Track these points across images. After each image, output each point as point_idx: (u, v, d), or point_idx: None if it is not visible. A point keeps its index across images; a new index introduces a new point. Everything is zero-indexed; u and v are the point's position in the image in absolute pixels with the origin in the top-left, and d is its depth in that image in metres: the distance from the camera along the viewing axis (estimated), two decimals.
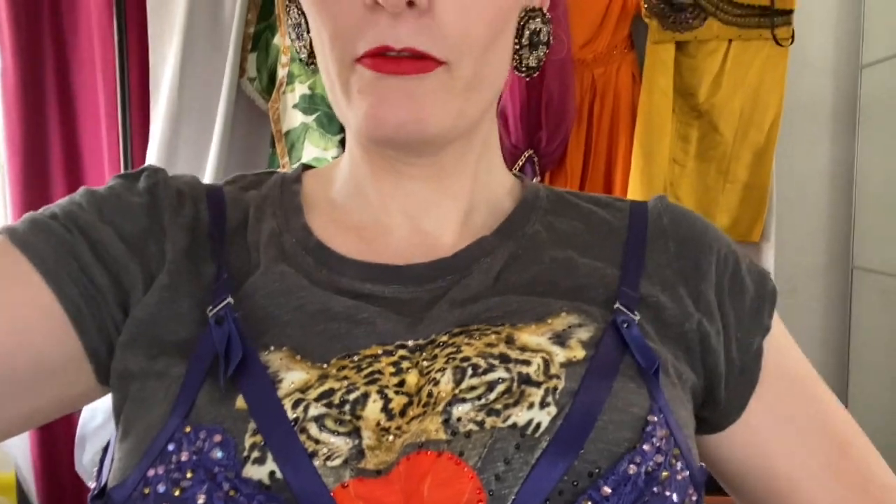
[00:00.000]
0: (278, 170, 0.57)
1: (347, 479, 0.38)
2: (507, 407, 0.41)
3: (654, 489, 0.40)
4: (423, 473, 0.39)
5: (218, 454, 0.38)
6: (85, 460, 1.69)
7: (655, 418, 0.42)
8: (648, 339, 0.46)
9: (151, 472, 0.38)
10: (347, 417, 0.40)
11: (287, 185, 0.53)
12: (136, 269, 0.46)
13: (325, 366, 0.42)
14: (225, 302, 0.44)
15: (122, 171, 1.71)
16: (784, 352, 0.53)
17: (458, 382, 0.42)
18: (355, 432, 0.40)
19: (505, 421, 0.40)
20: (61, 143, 1.89)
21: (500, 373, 0.42)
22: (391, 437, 0.40)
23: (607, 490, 0.39)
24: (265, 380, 0.41)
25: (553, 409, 0.41)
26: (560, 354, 0.44)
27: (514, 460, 0.39)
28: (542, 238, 0.51)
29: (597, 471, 0.40)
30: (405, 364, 0.43)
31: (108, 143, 1.85)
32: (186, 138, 1.73)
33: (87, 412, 1.68)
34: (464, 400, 0.41)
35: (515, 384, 0.42)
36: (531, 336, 0.44)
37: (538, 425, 0.40)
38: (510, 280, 0.48)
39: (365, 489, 0.38)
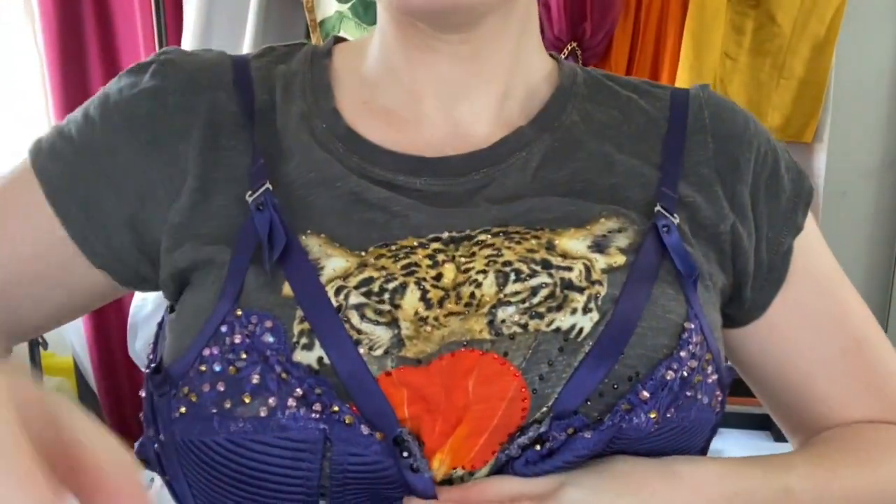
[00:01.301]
0: (309, 42, 0.54)
1: (390, 367, 0.39)
2: (550, 311, 0.42)
3: (688, 393, 0.42)
4: (467, 369, 0.40)
5: (269, 339, 0.40)
6: (137, 347, 1.78)
7: (692, 325, 0.43)
8: (686, 241, 0.46)
9: (207, 352, 0.40)
10: (386, 308, 0.41)
11: (317, 60, 0.51)
12: (156, 175, 0.46)
13: (363, 254, 0.43)
14: (263, 188, 0.44)
15: None
16: (813, 251, 0.53)
17: (501, 286, 0.42)
18: (394, 322, 0.41)
19: (549, 325, 0.41)
20: (96, 30, 1.87)
21: (543, 278, 0.42)
22: (429, 328, 0.41)
23: (646, 394, 0.40)
24: (308, 266, 0.42)
25: (595, 315, 0.42)
26: (601, 261, 0.44)
27: (558, 362, 0.40)
28: (579, 129, 0.49)
29: (636, 375, 0.41)
30: (440, 257, 0.43)
31: (143, 33, 1.82)
32: (220, 27, 1.70)
33: (137, 301, 1.75)
34: (508, 303, 0.42)
35: (558, 289, 0.42)
36: (571, 241, 0.44)
37: (581, 330, 0.41)
38: (548, 178, 0.47)
39: (408, 377, 0.39)
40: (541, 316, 0.41)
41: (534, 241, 0.44)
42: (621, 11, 1.67)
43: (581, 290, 0.42)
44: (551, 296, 0.42)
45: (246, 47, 1.69)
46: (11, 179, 0.48)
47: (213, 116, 0.47)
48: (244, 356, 0.39)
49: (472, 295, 0.42)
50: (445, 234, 0.44)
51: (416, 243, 0.43)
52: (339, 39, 0.54)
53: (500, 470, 0.40)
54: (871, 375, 0.52)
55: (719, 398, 0.45)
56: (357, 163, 0.46)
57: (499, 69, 0.48)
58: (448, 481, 0.40)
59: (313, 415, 0.38)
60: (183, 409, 0.40)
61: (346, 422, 0.38)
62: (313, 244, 0.43)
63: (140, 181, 0.46)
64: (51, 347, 1.93)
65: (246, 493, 0.39)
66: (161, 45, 1.68)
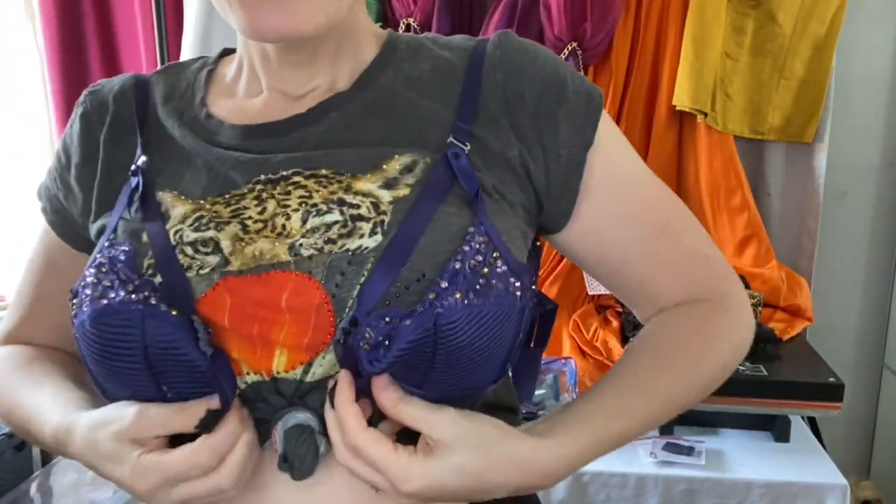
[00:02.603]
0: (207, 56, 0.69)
1: (217, 279, 0.52)
2: (341, 237, 0.52)
3: (481, 280, 0.50)
4: (280, 286, 0.52)
5: (122, 257, 0.54)
6: None
7: (473, 228, 0.52)
8: (476, 167, 0.55)
9: (87, 272, 0.54)
10: (210, 235, 0.54)
11: (205, 68, 0.65)
12: (92, 173, 0.62)
13: (202, 202, 0.56)
14: (140, 160, 0.59)
15: (158, 59, 1.69)
16: (609, 158, 0.60)
17: (304, 222, 0.53)
18: (217, 248, 0.53)
19: (341, 248, 0.52)
20: (96, 30, 1.87)
21: (336, 215, 0.53)
22: (244, 244, 0.53)
23: (444, 283, 0.49)
24: (159, 215, 0.56)
25: (379, 237, 0.52)
26: (387, 195, 0.54)
27: (348, 272, 0.51)
28: (393, 86, 0.59)
29: (422, 276, 0.50)
30: (264, 195, 0.55)
31: (143, 34, 1.82)
32: (220, 27, 1.70)
33: None
34: (306, 235, 0.53)
35: (349, 221, 0.53)
36: (366, 184, 0.54)
37: (366, 248, 0.52)
38: (361, 129, 0.57)
39: (231, 286, 0.52)
40: (333, 241, 0.52)
41: (336, 185, 0.54)
42: (622, 11, 1.66)
43: (368, 220, 0.53)
44: (343, 226, 0.53)
45: None
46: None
47: (116, 122, 0.63)
48: (104, 270, 0.53)
49: (284, 226, 0.54)
50: (262, 177, 0.55)
51: (245, 190, 0.55)
52: (228, 52, 0.68)
53: (342, 361, 0.50)
54: (675, 256, 0.62)
55: (517, 285, 0.51)
56: (210, 136, 0.59)
57: (329, 63, 0.59)
58: (299, 382, 0.51)
59: (134, 300, 0.50)
60: (74, 313, 0.53)
61: (153, 302, 0.50)
62: (167, 198, 0.57)
63: (89, 181, 0.63)
64: None
65: (104, 362, 0.51)
66: (161, 46, 1.68)
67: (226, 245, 0.53)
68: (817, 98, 1.69)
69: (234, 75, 0.63)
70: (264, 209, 0.54)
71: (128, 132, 0.62)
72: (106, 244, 0.56)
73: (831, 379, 1.37)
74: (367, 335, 0.48)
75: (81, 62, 1.89)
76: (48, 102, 1.91)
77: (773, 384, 1.36)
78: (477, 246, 0.51)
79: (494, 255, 0.51)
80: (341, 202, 0.53)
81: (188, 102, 0.63)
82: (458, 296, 0.48)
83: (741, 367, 1.38)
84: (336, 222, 0.53)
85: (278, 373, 0.51)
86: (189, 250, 0.54)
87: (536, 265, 0.61)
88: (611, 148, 0.61)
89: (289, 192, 0.54)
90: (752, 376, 1.36)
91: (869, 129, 1.83)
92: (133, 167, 0.59)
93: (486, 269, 0.50)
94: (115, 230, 0.57)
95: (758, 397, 1.36)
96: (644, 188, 0.62)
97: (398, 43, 0.62)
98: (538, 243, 0.62)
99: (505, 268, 0.51)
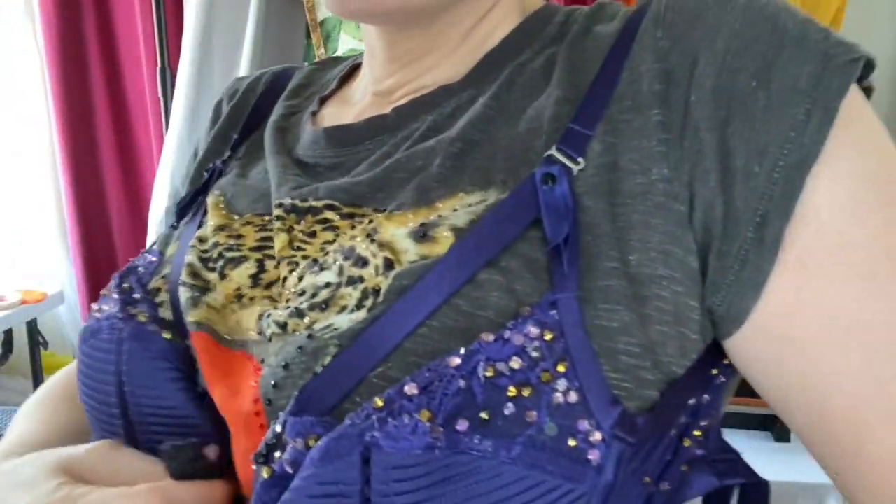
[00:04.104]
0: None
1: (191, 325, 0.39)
2: (313, 308, 0.33)
3: (507, 407, 0.27)
4: (228, 372, 0.36)
5: (140, 269, 0.44)
6: None
7: (531, 310, 0.30)
8: (584, 203, 0.32)
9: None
10: (207, 276, 0.40)
11: (349, 63, 0.54)
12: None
13: (236, 217, 0.44)
14: (221, 160, 0.50)
15: (158, 59, 1.69)
16: (852, 196, 0.30)
17: (300, 279, 0.36)
18: (202, 289, 0.39)
19: (308, 326, 0.33)
20: (96, 30, 1.88)
21: (331, 274, 0.35)
22: (236, 307, 0.38)
23: (413, 388, 0.28)
24: (195, 227, 0.45)
25: (362, 315, 0.32)
26: (413, 249, 0.33)
27: (295, 365, 0.32)
28: (510, 83, 0.39)
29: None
30: (278, 224, 0.39)
31: (143, 34, 1.82)
32: (220, 27, 1.70)
33: None
34: (289, 301, 0.36)
35: (343, 285, 0.34)
36: (396, 228, 0.35)
37: (334, 330, 0.32)
38: (434, 145, 0.38)
39: (198, 342, 0.37)
40: (302, 315, 0.33)
41: (364, 226, 0.36)
42: None
43: (361, 284, 0.33)
44: (332, 292, 0.34)
45: (246, 48, 1.69)
46: None
47: (232, 114, 0.54)
48: (124, 285, 0.43)
49: (285, 280, 0.38)
50: (287, 201, 0.39)
51: (275, 216, 0.41)
52: None
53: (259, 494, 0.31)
54: None
55: (592, 437, 0.27)
56: (291, 141, 0.47)
57: (451, 52, 0.42)
58: None
59: (121, 316, 0.39)
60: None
61: (141, 320, 0.39)
62: (210, 203, 0.45)
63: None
64: (51, 347, 1.93)
65: (85, 398, 0.40)
66: (161, 46, 1.68)
67: (215, 297, 0.39)
68: None
69: (361, 74, 0.49)
70: (282, 246, 0.39)
71: (237, 127, 0.53)
72: (142, 252, 0.46)
73: None
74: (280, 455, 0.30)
75: (81, 62, 1.89)
76: (48, 102, 1.91)
77: None
78: (521, 342, 0.29)
79: (559, 367, 0.28)
80: (351, 253, 0.35)
81: (312, 100, 0.51)
82: (425, 416, 0.27)
83: None
84: (327, 285, 0.34)
85: None
86: (188, 276, 0.41)
87: (704, 410, 0.33)
88: (857, 171, 0.31)
89: (314, 234, 0.38)
90: None
91: None
92: (210, 166, 0.50)
93: (523, 389, 0.28)
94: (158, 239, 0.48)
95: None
96: None
97: (550, 17, 0.41)
98: (724, 364, 0.34)
99: (575, 398, 0.28)
